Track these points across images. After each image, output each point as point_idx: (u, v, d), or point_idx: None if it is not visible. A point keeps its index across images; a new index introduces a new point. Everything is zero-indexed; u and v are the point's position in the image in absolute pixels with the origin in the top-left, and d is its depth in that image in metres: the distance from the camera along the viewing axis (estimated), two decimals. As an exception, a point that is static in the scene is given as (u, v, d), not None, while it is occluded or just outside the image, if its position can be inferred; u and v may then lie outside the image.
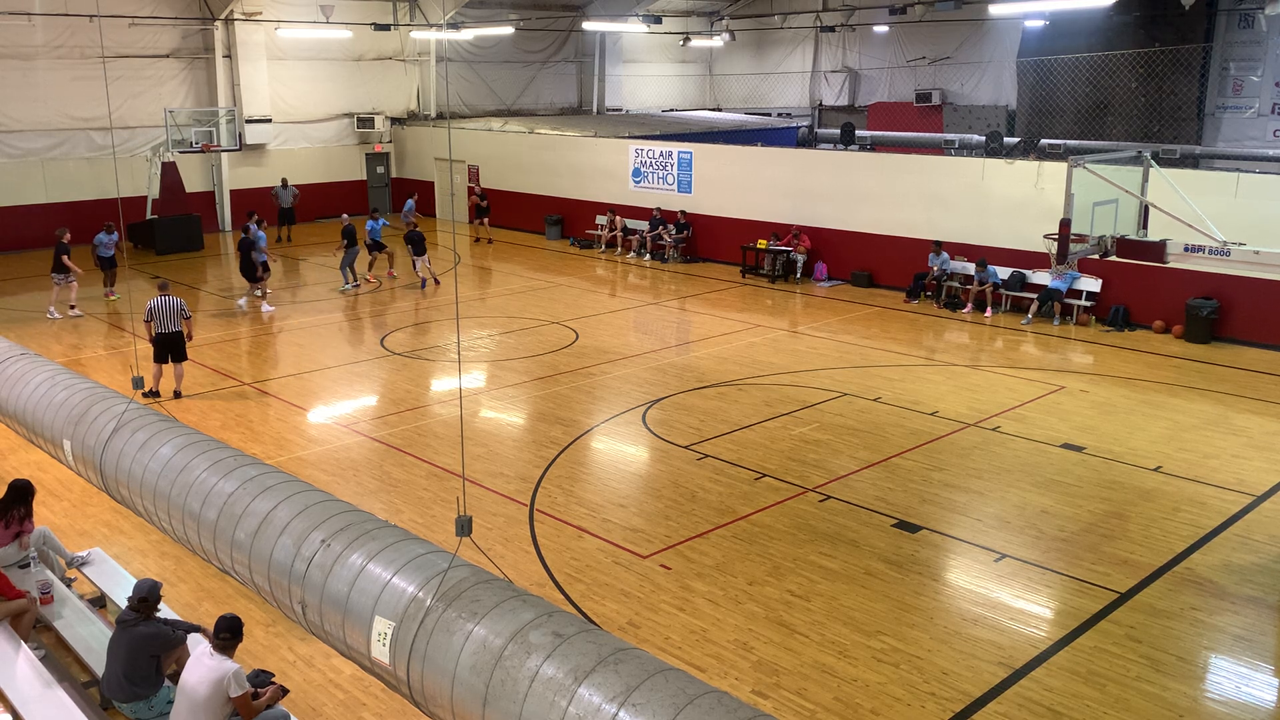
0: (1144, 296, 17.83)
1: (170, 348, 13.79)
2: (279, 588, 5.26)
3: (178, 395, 13.97)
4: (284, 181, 26.84)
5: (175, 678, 6.53)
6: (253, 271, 19.38)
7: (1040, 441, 12.36)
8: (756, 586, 8.89)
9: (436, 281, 21.51)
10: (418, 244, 20.90)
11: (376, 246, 21.46)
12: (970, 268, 19.41)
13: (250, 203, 26.37)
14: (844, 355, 16.29)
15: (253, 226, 19.62)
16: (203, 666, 6.06)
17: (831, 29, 33.44)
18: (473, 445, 12.34)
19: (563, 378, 15.04)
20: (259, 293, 19.70)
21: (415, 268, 21.34)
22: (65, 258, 18.39)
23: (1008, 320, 18.70)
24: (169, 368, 13.96)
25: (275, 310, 19.30)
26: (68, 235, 18.77)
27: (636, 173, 25.55)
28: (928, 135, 31.55)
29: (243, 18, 26.61)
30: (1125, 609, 8.53)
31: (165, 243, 24.65)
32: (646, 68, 37.20)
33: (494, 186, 28.86)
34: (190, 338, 13.99)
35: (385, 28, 27.79)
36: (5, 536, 8.09)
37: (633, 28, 31.55)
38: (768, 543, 9.71)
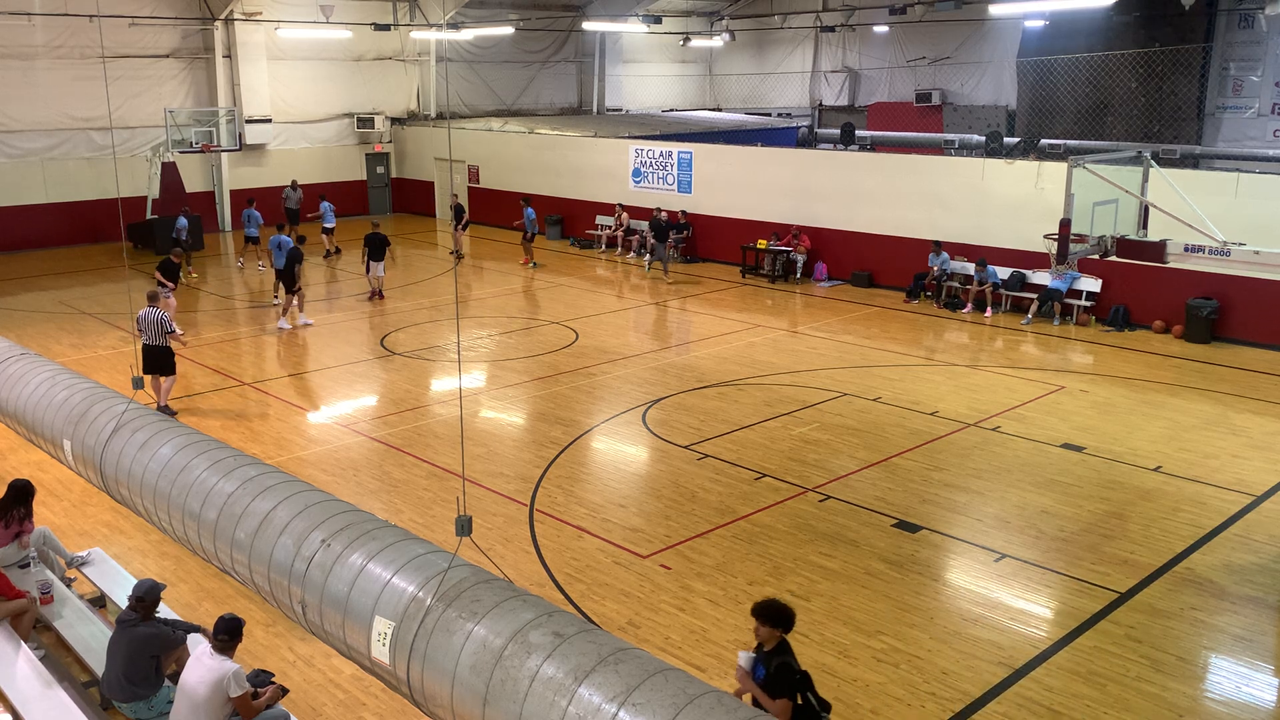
0: (1144, 296, 17.83)
1: (153, 361, 13.01)
2: (279, 588, 5.26)
3: (163, 409, 12.82)
4: (294, 183, 26.76)
5: (175, 678, 6.53)
6: (292, 281, 17.87)
7: (1040, 441, 12.36)
8: (756, 586, 8.89)
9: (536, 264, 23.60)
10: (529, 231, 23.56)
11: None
12: (970, 268, 19.41)
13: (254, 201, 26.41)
14: (844, 355, 16.29)
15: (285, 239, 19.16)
16: (202, 667, 6.06)
17: (831, 29, 33.45)
18: (473, 445, 12.34)
19: (563, 378, 15.04)
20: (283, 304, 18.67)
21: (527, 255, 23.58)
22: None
23: (1008, 320, 18.70)
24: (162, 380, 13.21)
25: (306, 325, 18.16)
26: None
27: (636, 173, 25.55)
28: (928, 135, 31.54)
29: (243, 18, 26.61)
30: (1125, 609, 8.52)
31: (165, 243, 24.62)
32: (646, 68, 37.20)
33: (494, 186, 28.87)
34: (182, 343, 13.43)
35: (385, 28, 27.79)
36: (5, 536, 8.09)
37: (633, 28, 31.56)
38: (768, 543, 9.71)
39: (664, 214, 23.46)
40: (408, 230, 28.96)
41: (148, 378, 12.99)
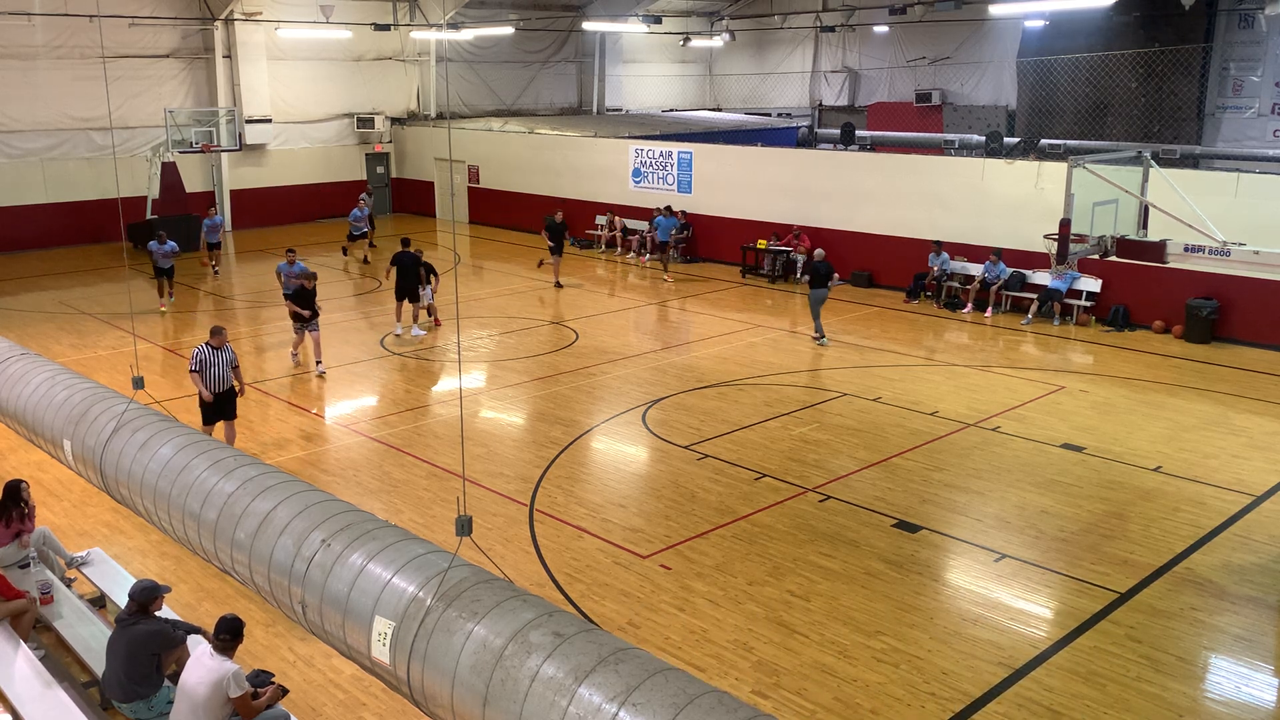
0: (1144, 296, 17.83)
1: (222, 408, 11.30)
2: (279, 588, 5.25)
3: None
4: (365, 198, 25.14)
5: (175, 678, 6.53)
6: (415, 290, 17.04)
7: (1040, 441, 12.36)
8: (756, 586, 8.89)
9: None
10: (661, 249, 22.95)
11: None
12: (970, 268, 19.43)
13: (251, 199, 26.42)
14: (844, 355, 16.29)
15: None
16: (202, 667, 6.06)
17: (831, 29, 33.44)
18: (473, 445, 12.34)
19: (563, 378, 15.04)
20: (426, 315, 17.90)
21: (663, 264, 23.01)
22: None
23: (1008, 320, 18.69)
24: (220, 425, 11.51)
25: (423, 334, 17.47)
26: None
27: (636, 173, 25.55)
28: (928, 135, 31.54)
29: (243, 18, 26.61)
30: (1125, 609, 8.53)
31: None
32: (646, 68, 37.19)
33: (494, 186, 28.85)
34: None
35: (385, 28, 27.79)
36: (5, 536, 8.09)
37: (633, 28, 31.56)
38: (768, 543, 9.71)
39: (821, 253, 17.77)
40: (408, 230, 28.93)
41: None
